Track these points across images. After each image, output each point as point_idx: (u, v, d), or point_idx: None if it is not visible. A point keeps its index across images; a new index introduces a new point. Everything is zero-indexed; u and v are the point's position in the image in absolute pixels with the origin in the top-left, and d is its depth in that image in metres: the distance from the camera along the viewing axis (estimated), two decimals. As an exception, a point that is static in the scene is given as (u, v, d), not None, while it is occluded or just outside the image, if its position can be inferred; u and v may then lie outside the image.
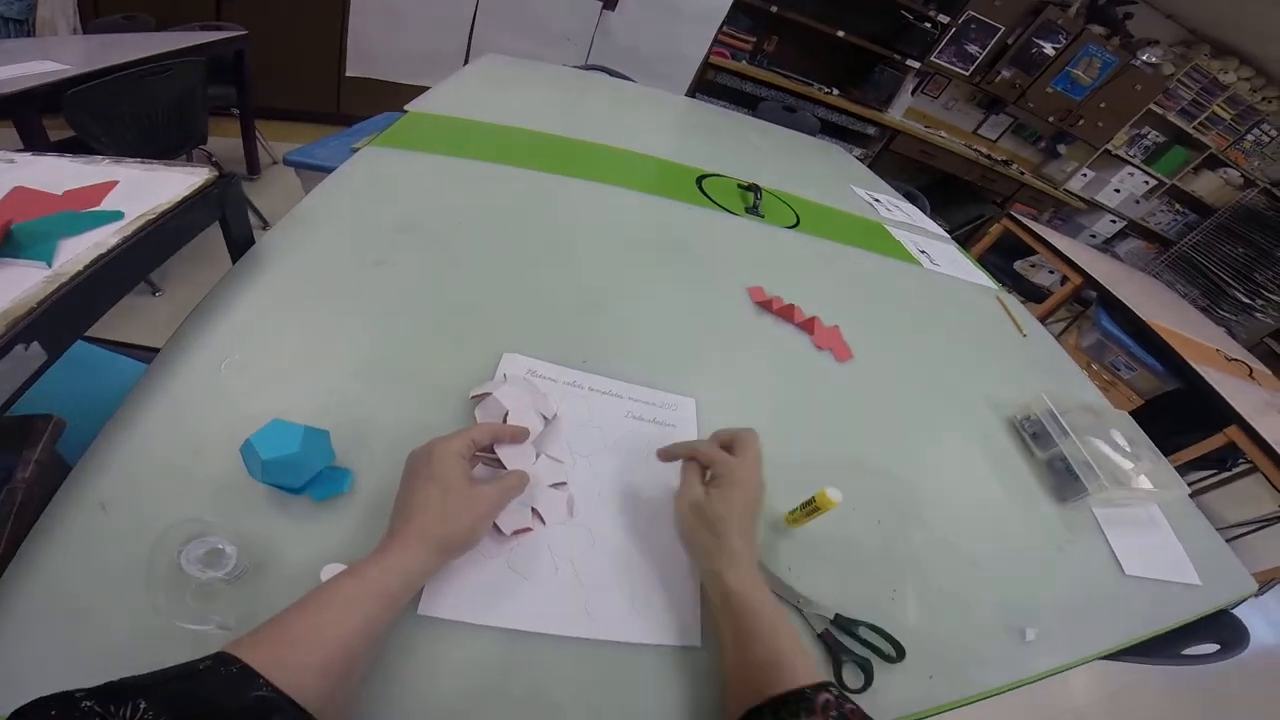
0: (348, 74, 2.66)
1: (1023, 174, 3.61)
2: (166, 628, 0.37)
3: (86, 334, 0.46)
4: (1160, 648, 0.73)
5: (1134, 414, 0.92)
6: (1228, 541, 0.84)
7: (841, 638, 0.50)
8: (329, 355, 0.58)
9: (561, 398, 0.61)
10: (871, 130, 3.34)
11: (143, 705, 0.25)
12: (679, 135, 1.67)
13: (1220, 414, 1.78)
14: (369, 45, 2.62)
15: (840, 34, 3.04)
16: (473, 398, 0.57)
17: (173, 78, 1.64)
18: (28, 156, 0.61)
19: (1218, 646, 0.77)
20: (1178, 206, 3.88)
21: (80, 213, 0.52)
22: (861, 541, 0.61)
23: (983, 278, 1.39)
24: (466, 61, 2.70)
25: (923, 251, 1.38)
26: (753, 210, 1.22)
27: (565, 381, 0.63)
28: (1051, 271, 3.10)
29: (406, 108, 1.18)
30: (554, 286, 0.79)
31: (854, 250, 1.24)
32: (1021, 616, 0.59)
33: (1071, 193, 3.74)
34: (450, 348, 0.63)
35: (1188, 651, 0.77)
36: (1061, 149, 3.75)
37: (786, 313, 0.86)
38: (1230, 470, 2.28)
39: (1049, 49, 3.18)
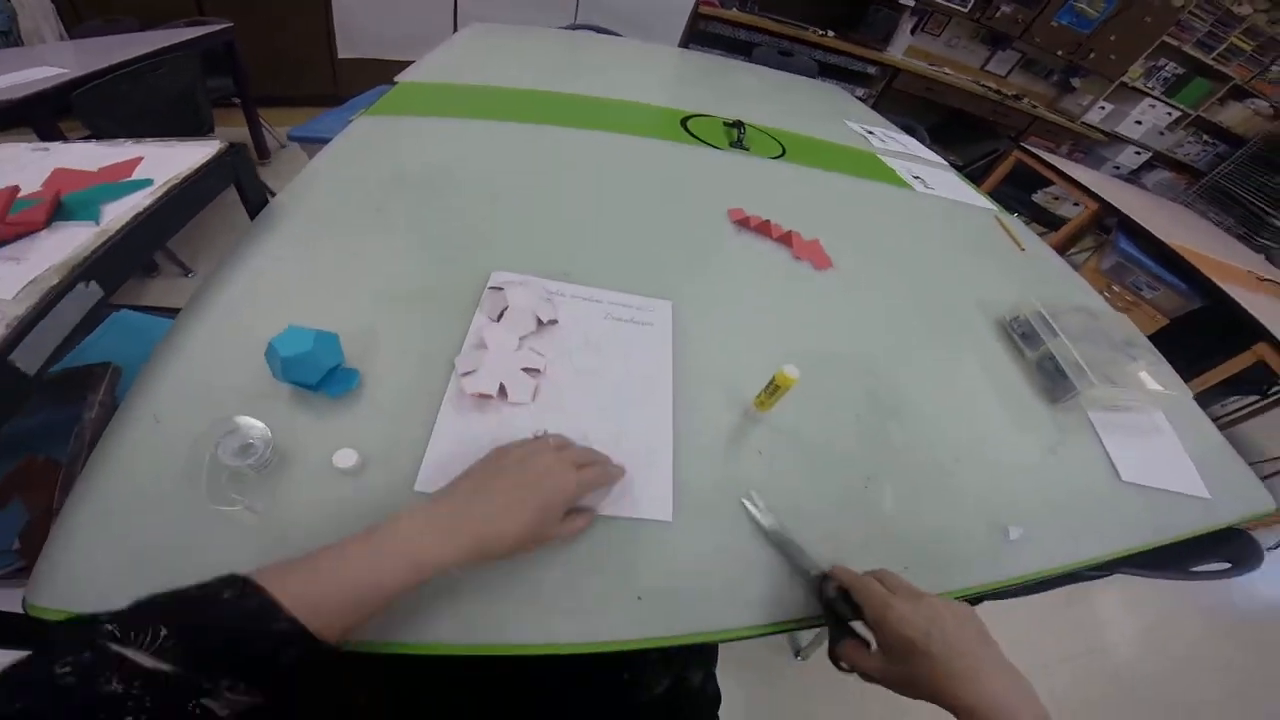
0: (340, 56, 2.69)
1: (1035, 108, 3.47)
2: (208, 513, 0.43)
3: (133, 303, 0.51)
4: (1167, 562, 0.70)
5: (1158, 333, 0.88)
6: (1268, 477, 0.80)
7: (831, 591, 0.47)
8: (338, 284, 0.64)
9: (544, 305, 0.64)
10: (872, 70, 3.23)
11: (163, 633, 0.25)
12: (666, 83, 1.65)
13: (1249, 331, 1.71)
14: (357, 26, 2.63)
15: (830, -26, 2.94)
16: (491, 289, 0.65)
17: (170, 72, 1.69)
18: (59, 145, 0.70)
19: (1228, 564, 0.73)
20: (1206, 137, 3.70)
21: (116, 183, 0.61)
22: (836, 433, 0.62)
23: (982, 201, 1.35)
24: (455, 31, 2.69)
25: (916, 177, 1.35)
26: (736, 144, 1.21)
27: (547, 290, 0.67)
28: (1076, 204, 2.99)
29: (396, 79, 1.20)
30: (539, 217, 0.81)
31: (841, 176, 1.22)
32: (1006, 516, 0.59)
33: (1090, 125, 3.59)
34: (443, 270, 0.68)
35: (1197, 569, 0.74)
36: (1075, 82, 3.59)
37: (764, 228, 0.87)
38: (1269, 396, 2.18)
39: None
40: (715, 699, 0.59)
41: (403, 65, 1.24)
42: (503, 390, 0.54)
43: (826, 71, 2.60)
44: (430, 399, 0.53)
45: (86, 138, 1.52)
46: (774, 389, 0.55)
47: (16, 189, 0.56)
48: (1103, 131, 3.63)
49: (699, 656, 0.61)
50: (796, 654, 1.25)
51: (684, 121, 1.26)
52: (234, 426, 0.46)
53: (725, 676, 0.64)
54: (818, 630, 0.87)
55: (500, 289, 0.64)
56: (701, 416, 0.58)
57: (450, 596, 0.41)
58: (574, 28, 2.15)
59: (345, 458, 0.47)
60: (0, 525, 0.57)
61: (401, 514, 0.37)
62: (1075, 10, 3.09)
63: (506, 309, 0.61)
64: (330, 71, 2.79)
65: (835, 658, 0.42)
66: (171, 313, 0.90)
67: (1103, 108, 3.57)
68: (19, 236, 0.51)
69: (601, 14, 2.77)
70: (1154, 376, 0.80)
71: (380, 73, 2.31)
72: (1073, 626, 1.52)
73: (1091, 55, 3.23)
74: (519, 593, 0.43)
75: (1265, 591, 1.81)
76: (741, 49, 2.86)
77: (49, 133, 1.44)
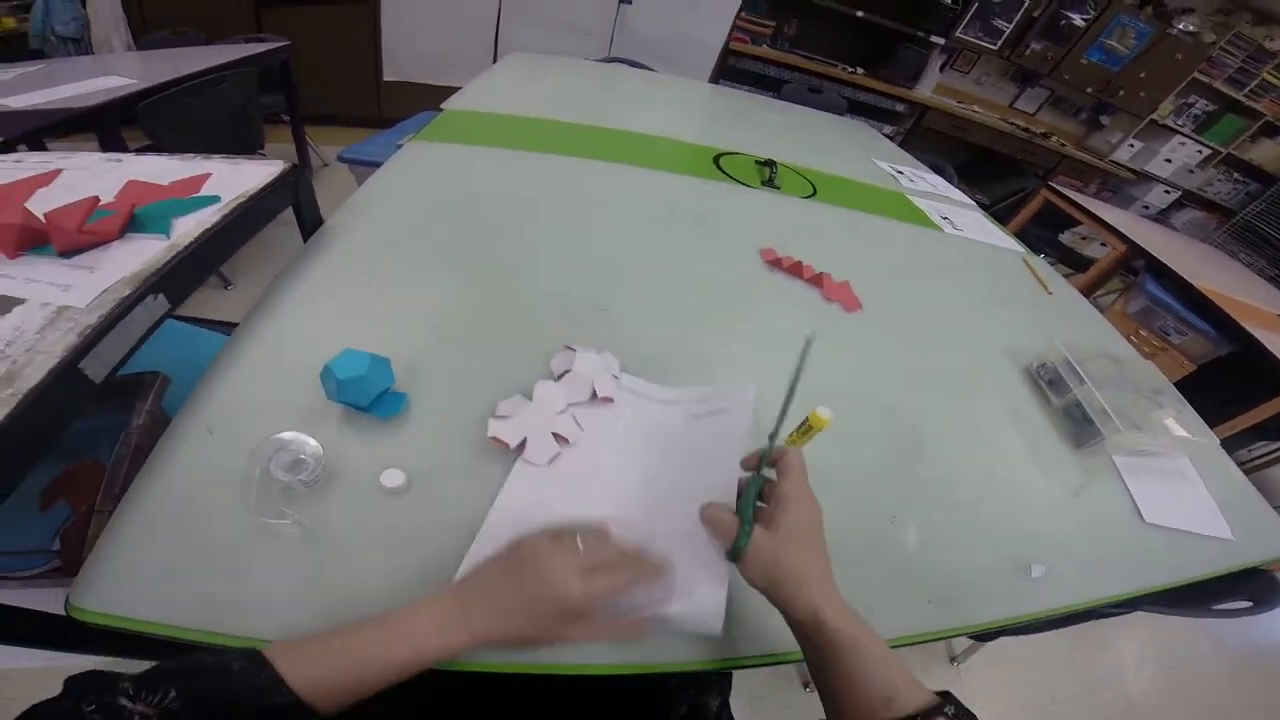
0: (385, 78, 2.81)
1: (1064, 146, 3.47)
2: (257, 526, 0.44)
3: (177, 313, 0.54)
4: (1188, 600, 0.72)
5: (1185, 380, 0.88)
6: None
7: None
8: (388, 307, 0.67)
9: (622, 403, 0.61)
10: (901, 108, 3.27)
11: (172, 694, 0.29)
12: (698, 119, 1.71)
13: (1277, 377, 1.68)
14: (402, 50, 2.76)
15: (860, 13, 3.00)
16: (565, 348, 0.64)
17: (230, 87, 1.79)
18: (131, 156, 0.72)
19: (1250, 603, 0.74)
20: (1236, 175, 3.66)
21: (185, 198, 0.63)
22: (862, 472, 0.64)
23: (1010, 242, 1.37)
24: (495, 60, 2.80)
25: (945, 218, 1.37)
26: (768, 183, 1.25)
27: (625, 387, 0.62)
28: (1104, 244, 2.98)
29: (442, 106, 1.26)
30: (577, 251, 0.86)
31: (871, 217, 1.25)
32: (1029, 555, 0.60)
33: (1118, 163, 3.57)
34: (487, 301, 0.71)
35: (1219, 606, 0.75)
36: (1105, 120, 3.58)
37: (795, 269, 0.90)
38: (1297, 441, 2.13)
39: (1078, 20, 3.06)
40: (726, 680, 0.61)
41: (443, 90, 1.30)
42: (523, 445, 0.53)
43: (855, 109, 2.64)
44: (475, 429, 0.55)
45: (145, 147, 1.60)
46: (806, 429, 0.56)
47: (97, 200, 0.57)
48: (1131, 170, 3.61)
49: (716, 684, 0.62)
50: (806, 685, 1.25)
51: (717, 159, 1.31)
52: (286, 442, 0.48)
53: (738, 704, 0.65)
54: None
55: (573, 350, 0.62)
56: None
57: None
58: (608, 60, 2.23)
59: (392, 478, 0.48)
60: (43, 525, 0.57)
61: (415, 605, 0.38)
62: (1105, 48, 3.12)
63: (568, 372, 0.61)
64: (375, 93, 2.91)
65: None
66: (214, 324, 0.95)
67: (1132, 145, 3.56)
68: (93, 246, 0.53)
69: (635, 46, 2.86)
70: (1180, 423, 0.80)
71: (421, 96, 2.41)
72: (1089, 664, 1.50)
73: (1121, 93, 3.24)
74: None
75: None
76: (771, 85, 2.92)
77: (112, 139, 1.51)
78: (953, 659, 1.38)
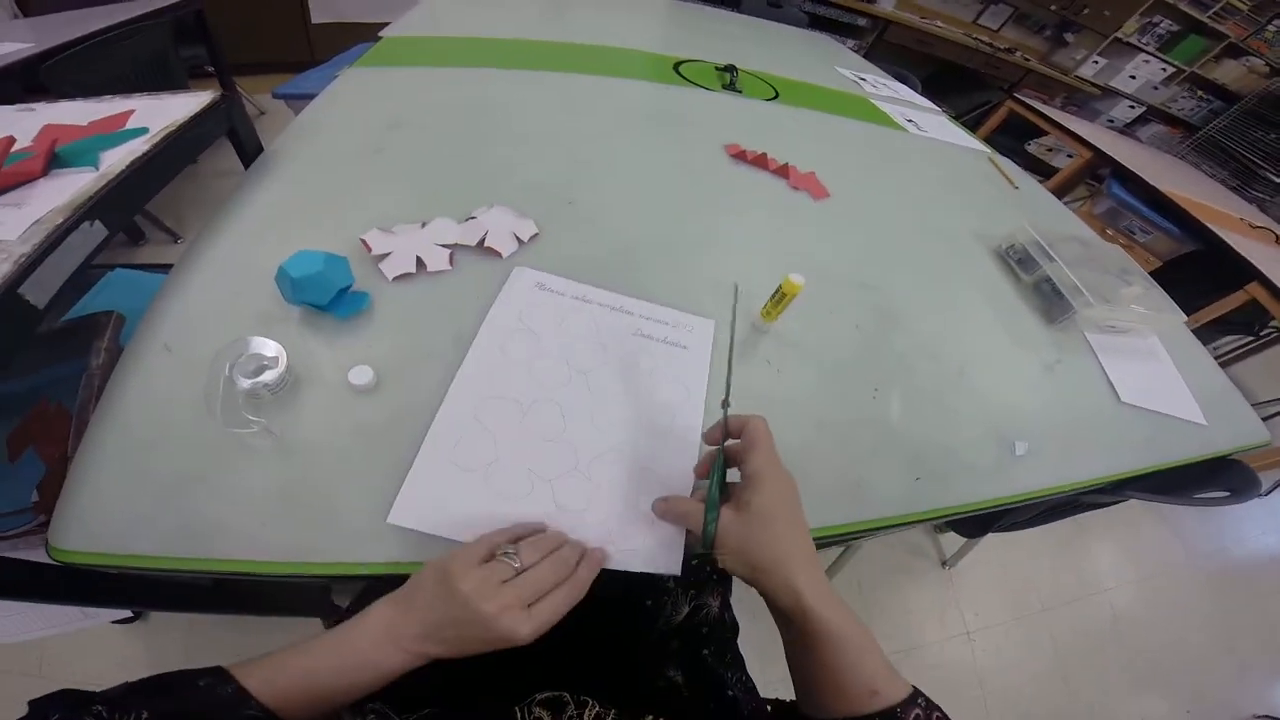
0: (314, 21, 2.61)
1: (1029, 61, 3.42)
2: (226, 440, 0.42)
3: (126, 263, 0.52)
4: (1171, 488, 0.72)
5: (1153, 274, 0.86)
6: (1265, 419, 0.79)
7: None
8: (342, 216, 0.62)
9: (568, 312, 0.57)
10: (863, 22, 3.17)
11: (145, 715, 0.28)
12: (656, 31, 1.61)
13: (1242, 273, 1.72)
14: (330, -11, 2.55)
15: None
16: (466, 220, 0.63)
17: (141, 41, 1.64)
18: (45, 104, 0.68)
19: (1227, 493, 0.75)
20: (1200, 93, 3.69)
21: (110, 133, 0.61)
22: (841, 343, 0.62)
23: (975, 143, 1.34)
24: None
25: (910, 120, 1.33)
26: (729, 87, 1.19)
27: (573, 296, 0.59)
28: (1070, 155, 2.97)
29: (381, 34, 1.16)
30: (542, 156, 0.80)
31: (835, 117, 1.21)
32: (1011, 431, 0.59)
33: (1083, 79, 3.54)
34: (442, 208, 0.66)
35: (1199, 495, 0.75)
36: (1069, 37, 3.54)
37: (760, 161, 0.86)
38: (1261, 337, 2.20)
39: None
40: (734, 627, 0.60)
41: (377, 27, 1.20)
42: (385, 258, 0.56)
43: (816, 23, 2.52)
44: (441, 316, 0.53)
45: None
46: (780, 297, 0.55)
47: (12, 139, 0.57)
48: (1096, 85, 3.59)
49: (716, 584, 0.61)
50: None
51: (676, 66, 1.24)
52: (248, 348, 0.46)
53: (740, 611, 0.61)
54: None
55: (474, 217, 0.63)
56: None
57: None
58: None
59: (361, 374, 0.46)
60: (17, 478, 0.56)
61: (367, 615, 0.35)
62: (1071, -36, 3.03)
63: (486, 234, 0.61)
64: (305, 37, 2.71)
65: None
66: (166, 268, 0.90)
67: (1096, 62, 3.53)
68: (18, 184, 0.53)
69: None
70: (1148, 300, 0.81)
71: (355, 35, 2.23)
72: (1075, 570, 1.56)
73: (1085, 11, 3.19)
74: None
75: (1259, 540, 1.85)
76: (730, 1, 2.79)
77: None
78: (944, 563, 1.42)
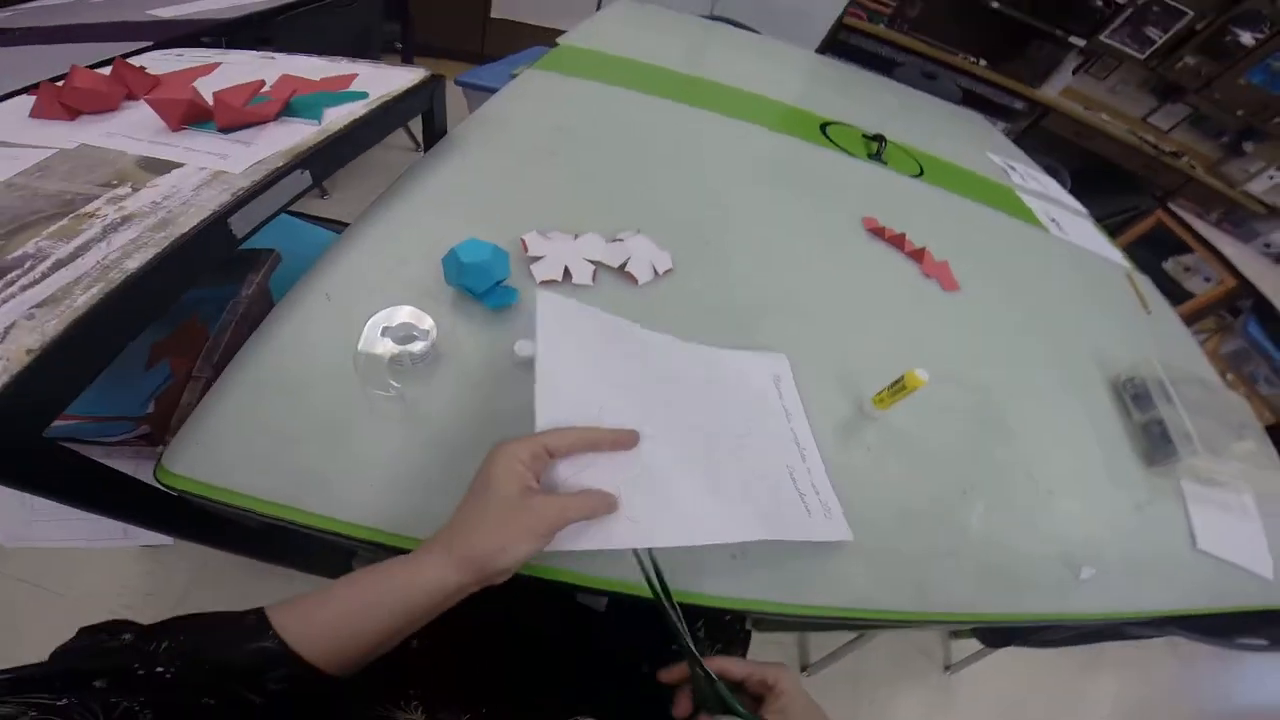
0: (493, 15, 2.85)
1: (1194, 168, 3.17)
2: (359, 399, 0.44)
3: (291, 209, 0.57)
4: (1215, 631, 0.73)
5: (1267, 430, 0.85)
6: None
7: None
8: (508, 211, 0.71)
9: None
10: (1019, 105, 3.06)
11: (166, 644, 0.29)
12: (805, 85, 1.67)
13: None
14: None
15: (995, 4, 2.80)
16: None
17: (360, 9, 1.87)
18: (284, 55, 0.79)
19: (1265, 643, 0.76)
20: (1386, 227, 3.27)
21: (336, 92, 0.68)
22: (944, 442, 0.65)
23: (1116, 255, 1.30)
24: (599, 7, 2.78)
25: (1053, 220, 1.31)
26: (875, 156, 1.23)
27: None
28: (1207, 279, 2.74)
29: (558, 40, 1.29)
30: (682, 191, 0.88)
31: (977, 205, 1.22)
32: (1081, 557, 0.60)
33: (1251, 195, 3.24)
34: (594, 223, 0.73)
35: (1241, 641, 0.76)
36: (1248, 146, 3.23)
37: (897, 241, 0.90)
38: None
39: (1247, 38, 2.74)
40: (745, 637, 0.63)
41: (545, 30, 1.32)
42: (567, 273, 0.61)
43: (970, 99, 2.49)
44: None
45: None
46: (899, 388, 0.58)
47: (261, 83, 0.63)
48: (1264, 204, 3.27)
49: (740, 645, 0.64)
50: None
51: (823, 127, 1.29)
52: (403, 315, 0.48)
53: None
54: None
55: (620, 239, 0.69)
56: (817, 403, 0.60)
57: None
58: (712, 17, 2.19)
59: (525, 347, 0.48)
60: (138, 388, 0.55)
61: (416, 552, 0.35)
62: (1271, 70, 2.79)
63: (621, 241, 0.69)
64: (480, 31, 2.96)
65: None
66: (320, 220, 1.02)
67: (1272, 177, 3.22)
68: (251, 125, 0.58)
69: (741, 6, 2.77)
70: (1257, 458, 0.79)
71: (520, 37, 2.41)
72: (1073, 699, 1.45)
73: (1277, 120, 2.92)
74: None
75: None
76: (881, 66, 2.79)
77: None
78: (947, 667, 1.36)
